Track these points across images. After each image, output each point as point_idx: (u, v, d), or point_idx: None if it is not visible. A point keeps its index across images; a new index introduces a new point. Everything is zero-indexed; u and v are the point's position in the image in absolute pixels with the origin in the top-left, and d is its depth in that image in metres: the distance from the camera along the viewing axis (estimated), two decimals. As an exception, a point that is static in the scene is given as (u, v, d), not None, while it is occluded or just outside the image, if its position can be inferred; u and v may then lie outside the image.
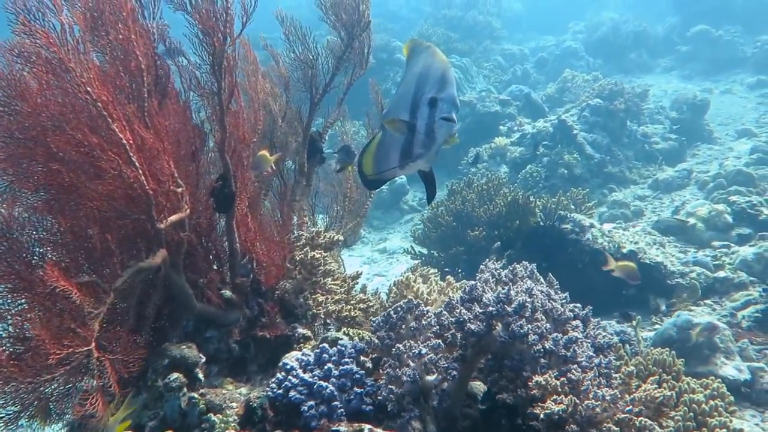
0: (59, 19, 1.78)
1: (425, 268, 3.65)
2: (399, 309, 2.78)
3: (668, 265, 5.66)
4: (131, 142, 2.05)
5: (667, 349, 3.64)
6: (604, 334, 2.82)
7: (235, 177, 2.90)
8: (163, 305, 2.79)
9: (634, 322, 4.87)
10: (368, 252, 8.69)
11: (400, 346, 2.63)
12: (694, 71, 13.89)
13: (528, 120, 9.92)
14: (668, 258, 5.80)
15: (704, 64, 13.83)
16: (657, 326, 5.29)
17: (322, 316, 3.31)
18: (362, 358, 2.85)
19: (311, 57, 3.40)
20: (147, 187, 2.14)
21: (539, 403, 2.42)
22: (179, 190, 2.47)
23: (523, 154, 8.68)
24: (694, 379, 3.36)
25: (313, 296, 3.32)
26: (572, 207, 6.45)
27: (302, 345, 3.07)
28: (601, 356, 2.69)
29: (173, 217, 2.40)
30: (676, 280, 5.61)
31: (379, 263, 8.17)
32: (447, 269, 6.16)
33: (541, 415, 2.32)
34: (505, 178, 7.34)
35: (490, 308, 2.65)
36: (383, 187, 9.57)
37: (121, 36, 2.19)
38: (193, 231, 2.89)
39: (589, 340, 2.77)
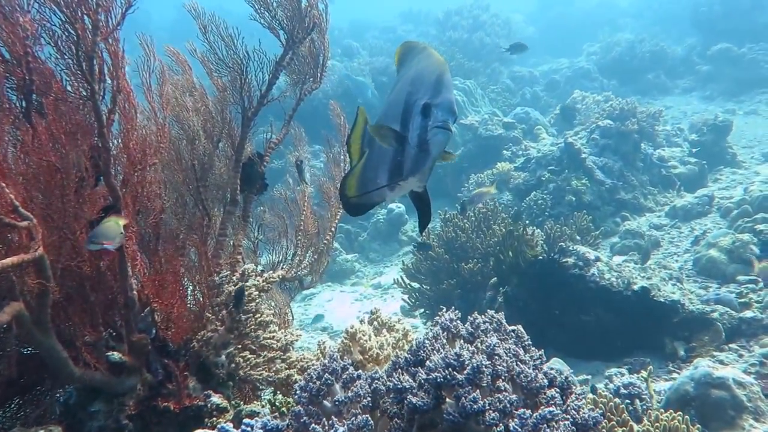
0: None
1: (383, 314, 3.02)
2: (321, 373, 2.17)
3: (686, 304, 4.96)
4: None
5: (680, 413, 2.98)
6: (588, 408, 2.17)
7: (125, 207, 2.34)
8: (22, 373, 2.21)
9: (644, 373, 4.18)
10: (362, 287, 8.07)
11: (317, 426, 2.01)
12: (716, 92, 13.18)
13: (533, 144, 9.30)
14: (686, 295, 5.09)
15: (727, 84, 13.11)
16: (675, 375, 4.59)
17: (251, 380, 2.71)
18: (287, 434, 2.23)
19: (239, 61, 2.86)
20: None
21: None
22: (24, 224, 1.90)
23: (527, 180, 8.03)
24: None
25: (242, 354, 2.72)
26: (577, 237, 5.80)
27: (216, 419, 2.47)
28: (583, 440, 2.04)
29: (8, 261, 1.83)
30: (696, 320, 4.90)
31: (373, 300, 7.54)
32: (442, 306, 5.54)
33: None
34: (501, 206, 6.71)
35: (435, 374, 2.03)
36: (380, 217, 9.08)
37: None
38: (72, 277, 2.32)
39: (568, 417, 2.12)
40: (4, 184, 1.84)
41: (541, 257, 5.14)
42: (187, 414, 2.47)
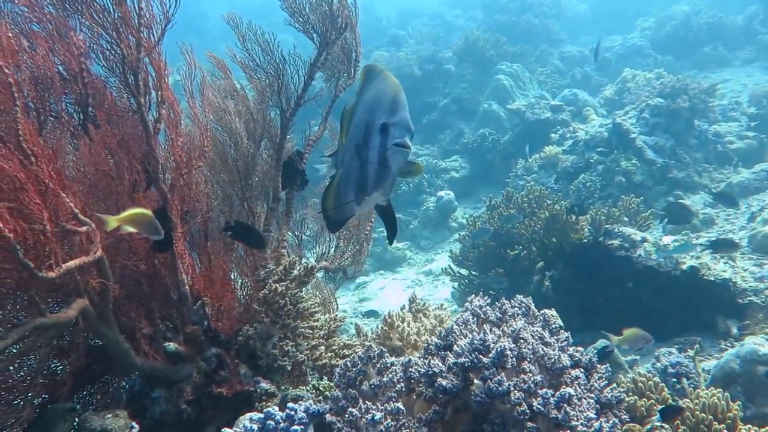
0: None
1: (421, 301, 3.16)
2: (357, 361, 2.33)
3: (738, 281, 4.90)
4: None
5: (719, 391, 3.01)
6: (611, 387, 2.26)
7: (173, 209, 2.54)
8: (91, 364, 2.45)
9: (690, 351, 4.18)
10: (413, 274, 8.21)
11: (354, 410, 2.17)
12: (780, 61, 12.62)
13: (582, 126, 9.17)
14: (738, 273, 5.02)
15: (792, 53, 12.55)
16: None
17: (297, 365, 2.89)
18: (330, 417, 2.40)
19: (276, 65, 3.02)
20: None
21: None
22: (83, 229, 2.12)
23: (575, 162, 7.96)
24: (755, 428, 2.77)
25: (282, 342, 2.90)
26: (625, 219, 5.76)
27: (265, 403, 2.66)
28: (605, 417, 2.13)
29: (71, 263, 2.05)
30: (748, 298, 4.83)
31: (424, 286, 7.67)
32: (491, 291, 5.63)
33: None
34: (547, 190, 6.69)
35: (463, 359, 2.15)
36: (430, 205, 9.19)
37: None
38: (130, 275, 2.55)
39: (592, 395, 2.21)
40: (64, 195, 2.05)
41: (586, 240, 5.16)
42: (239, 399, 2.67)
